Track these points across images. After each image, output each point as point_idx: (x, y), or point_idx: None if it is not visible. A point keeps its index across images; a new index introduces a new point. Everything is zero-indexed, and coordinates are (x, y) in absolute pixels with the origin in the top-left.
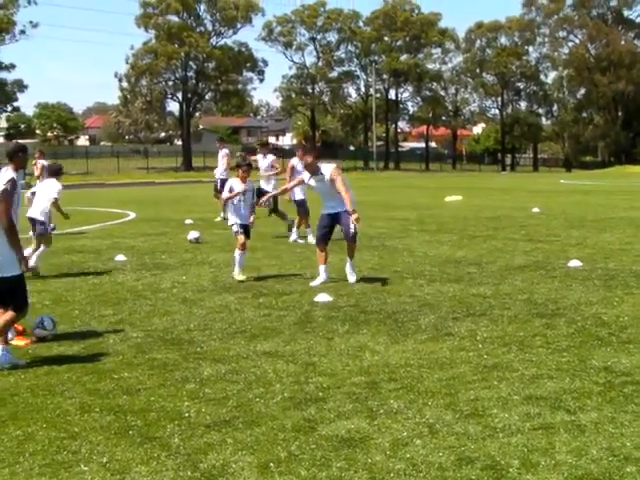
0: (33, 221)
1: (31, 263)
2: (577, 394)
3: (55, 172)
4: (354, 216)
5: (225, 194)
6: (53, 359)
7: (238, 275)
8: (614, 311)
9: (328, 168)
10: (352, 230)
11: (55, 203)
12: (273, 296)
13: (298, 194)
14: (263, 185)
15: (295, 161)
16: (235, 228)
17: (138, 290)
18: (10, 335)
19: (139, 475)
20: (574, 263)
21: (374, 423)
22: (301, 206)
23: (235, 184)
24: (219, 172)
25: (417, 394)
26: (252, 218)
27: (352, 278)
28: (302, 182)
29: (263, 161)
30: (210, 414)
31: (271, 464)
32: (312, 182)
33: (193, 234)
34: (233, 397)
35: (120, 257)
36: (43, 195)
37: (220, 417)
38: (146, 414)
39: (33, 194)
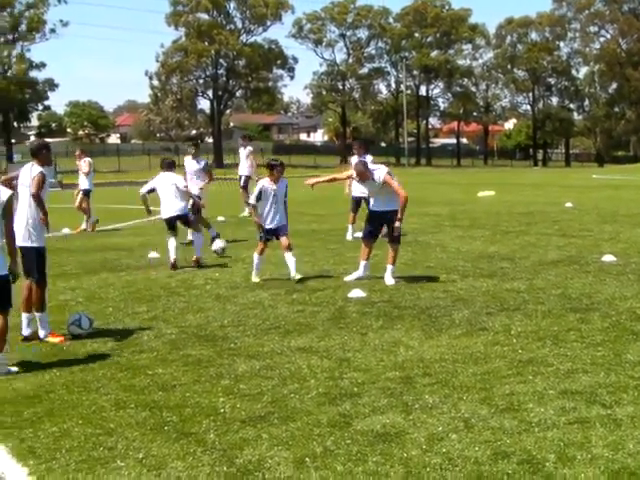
0: (172, 220)
1: (197, 254)
2: (612, 388)
3: (170, 165)
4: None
5: (252, 199)
6: (88, 356)
7: (254, 277)
8: None
9: (381, 172)
10: (397, 232)
11: (187, 192)
12: (306, 292)
13: (355, 191)
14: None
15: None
16: (260, 233)
17: (171, 287)
18: (44, 332)
19: (175, 470)
20: (608, 258)
21: (409, 418)
22: (356, 204)
23: (267, 185)
24: (244, 169)
25: (452, 389)
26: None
27: (391, 281)
28: (351, 177)
29: (244, 152)
30: (245, 410)
31: (307, 459)
32: (364, 186)
33: (218, 244)
34: (268, 393)
35: (153, 254)
36: (172, 192)
37: (255, 413)
38: (181, 410)
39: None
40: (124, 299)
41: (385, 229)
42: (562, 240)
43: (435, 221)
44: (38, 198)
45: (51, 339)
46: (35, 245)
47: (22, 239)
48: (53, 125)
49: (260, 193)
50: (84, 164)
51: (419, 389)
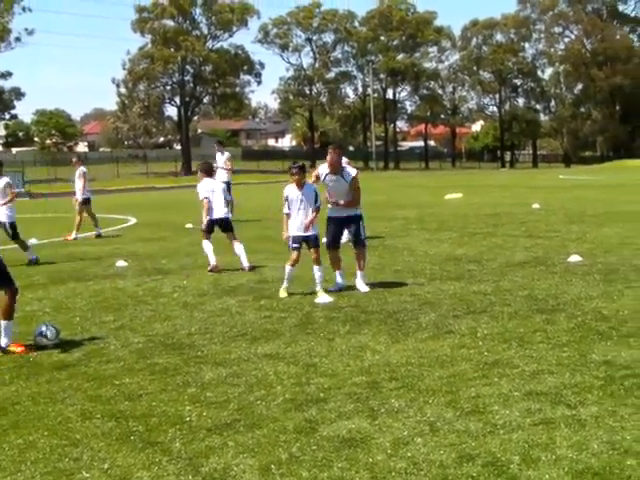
0: (216, 223)
1: (245, 264)
2: (578, 389)
3: (211, 171)
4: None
5: (285, 209)
6: (54, 366)
7: (281, 292)
8: (614, 305)
9: (352, 171)
10: (363, 235)
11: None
12: (274, 298)
13: None
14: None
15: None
16: (290, 241)
17: (139, 295)
18: (5, 341)
19: None
20: (574, 258)
21: (375, 423)
22: None
23: (291, 192)
24: (222, 176)
25: (418, 392)
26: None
27: (365, 288)
28: (317, 178)
29: (221, 158)
30: (211, 418)
31: (272, 466)
32: (328, 179)
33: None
34: (234, 400)
35: (121, 263)
36: (220, 196)
37: (221, 420)
38: (147, 419)
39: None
40: (91, 308)
41: (347, 235)
42: (529, 241)
43: (403, 224)
44: None
45: (13, 348)
46: None
47: None
48: (20, 134)
49: (287, 201)
50: (78, 172)
51: (385, 393)
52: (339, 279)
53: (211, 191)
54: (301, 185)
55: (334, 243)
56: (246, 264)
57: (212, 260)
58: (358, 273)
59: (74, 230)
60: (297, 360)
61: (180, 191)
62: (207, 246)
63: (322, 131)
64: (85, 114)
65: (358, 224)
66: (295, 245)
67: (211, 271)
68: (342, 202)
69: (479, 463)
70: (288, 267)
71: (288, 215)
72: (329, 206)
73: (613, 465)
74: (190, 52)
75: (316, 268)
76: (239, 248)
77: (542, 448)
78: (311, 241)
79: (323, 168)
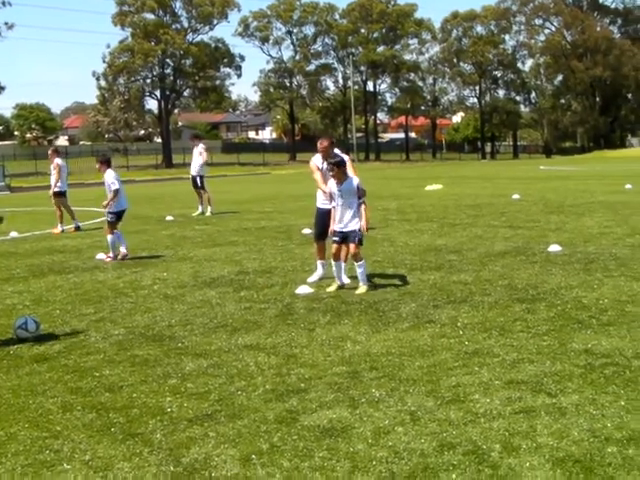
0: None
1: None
2: (558, 377)
3: (109, 161)
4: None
5: (332, 204)
6: (35, 359)
7: (329, 287)
8: (594, 294)
9: (345, 157)
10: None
11: None
12: (254, 289)
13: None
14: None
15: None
16: (332, 235)
17: (119, 288)
18: None
19: (121, 472)
20: (554, 248)
21: (356, 412)
22: None
23: (332, 187)
24: (195, 168)
25: (398, 382)
26: (362, 223)
27: (346, 280)
28: (319, 169)
29: (195, 151)
30: (192, 408)
31: (253, 456)
32: (326, 168)
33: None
34: (215, 391)
35: (101, 255)
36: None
37: (202, 411)
38: (128, 411)
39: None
40: (71, 301)
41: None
42: (509, 231)
43: (383, 215)
44: None
45: None
46: None
47: None
48: (0, 128)
49: (331, 195)
50: (53, 165)
51: (366, 383)
52: (320, 268)
53: (120, 182)
54: (340, 180)
55: (323, 235)
56: (111, 255)
57: (123, 249)
58: (342, 264)
59: (58, 223)
60: (278, 351)
61: (160, 184)
62: (116, 238)
63: (303, 123)
64: (66, 108)
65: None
66: (336, 239)
67: (122, 259)
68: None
69: (460, 452)
70: (332, 261)
71: (333, 208)
72: (320, 197)
73: (594, 452)
74: (170, 45)
75: (356, 264)
76: (111, 239)
77: (523, 436)
78: (350, 237)
79: (317, 158)
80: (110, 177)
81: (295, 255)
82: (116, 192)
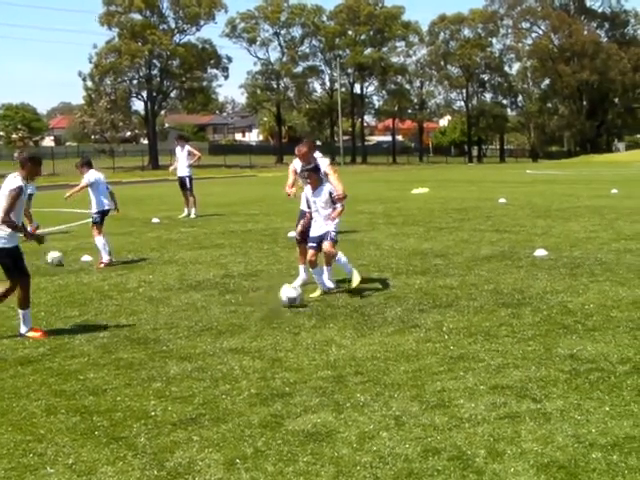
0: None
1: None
2: (543, 382)
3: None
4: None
5: (304, 206)
6: (19, 361)
7: (313, 293)
8: (579, 299)
9: (324, 162)
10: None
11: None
12: (240, 293)
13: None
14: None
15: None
16: (298, 236)
17: (104, 290)
18: (25, 328)
19: (105, 476)
20: (540, 252)
21: (340, 417)
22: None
23: (307, 193)
24: (183, 171)
25: (383, 387)
26: (333, 215)
27: (331, 285)
28: (296, 173)
29: (181, 153)
30: (176, 412)
31: (237, 460)
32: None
33: (52, 255)
34: (199, 395)
35: (86, 257)
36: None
37: (186, 415)
38: (112, 414)
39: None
40: (56, 303)
41: None
42: (495, 235)
43: (369, 219)
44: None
45: (32, 334)
46: (7, 246)
47: None
48: None
49: (307, 201)
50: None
51: (351, 388)
52: (303, 273)
53: (101, 182)
54: (313, 187)
55: (304, 238)
56: (106, 258)
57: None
58: (325, 269)
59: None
60: (262, 354)
61: (146, 185)
62: (100, 242)
63: (290, 126)
64: (52, 108)
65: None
66: (312, 245)
67: (107, 265)
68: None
69: (445, 457)
70: (303, 267)
71: (306, 214)
72: (302, 200)
73: (578, 458)
74: (157, 46)
75: (335, 261)
76: (99, 242)
77: (507, 442)
78: (324, 238)
79: (297, 162)
80: (91, 176)
81: (281, 258)
82: (86, 186)
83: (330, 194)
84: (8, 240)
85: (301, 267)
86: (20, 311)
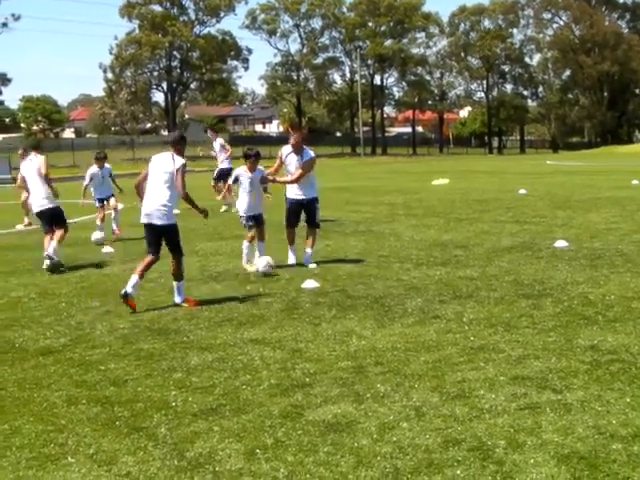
0: None
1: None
2: (563, 373)
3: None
4: None
5: (230, 180)
6: (40, 352)
7: (247, 266)
8: (600, 290)
9: (311, 154)
10: (316, 217)
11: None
12: (260, 283)
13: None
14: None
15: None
16: (243, 220)
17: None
18: (180, 299)
19: (125, 466)
20: (560, 243)
21: (361, 407)
22: None
23: (242, 174)
24: (225, 162)
25: (404, 377)
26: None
27: (312, 265)
28: (281, 162)
29: (215, 143)
30: (197, 403)
31: (258, 451)
32: (289, 160)
33: (96, 235)
34: (220, 385)
35: (108, 248)
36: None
37: (207, 405)
38: (133, 405)
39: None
40: (77, 294)
41: (304, 215)
42: (515, 227)
43: (389, 210)
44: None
45: (186, 305)
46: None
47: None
48: (7, 120)
49: (236, 178)
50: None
51: (371, 378)
52: (291, 254)
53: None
54: (252, 170)
55: (291, 223)
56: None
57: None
58: (307, 251)
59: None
60: (283, 345)
61: None
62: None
63: (309, 117)
64: (72, 100)
65: (314, 206)
66: (249, 223)
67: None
68: (289, 178)
69: (465, 447)
70: (245, 244)
71: (229, 187)
72: (287, 188)
73: (599, 449)
74: (177, 38)
75: (247, 244)
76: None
77: (528, 432)
78: (258, 219)
79: (286, 148)
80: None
81: (300, 248)
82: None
83: (262, 177)
84: (174, 217)
85: (290, 248)
86: (175, 283)
